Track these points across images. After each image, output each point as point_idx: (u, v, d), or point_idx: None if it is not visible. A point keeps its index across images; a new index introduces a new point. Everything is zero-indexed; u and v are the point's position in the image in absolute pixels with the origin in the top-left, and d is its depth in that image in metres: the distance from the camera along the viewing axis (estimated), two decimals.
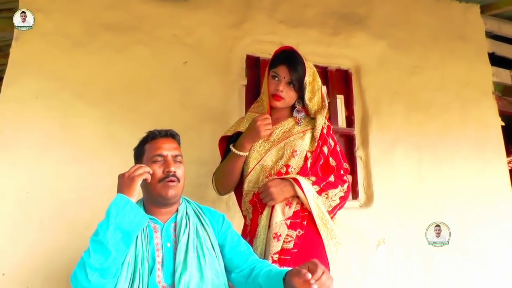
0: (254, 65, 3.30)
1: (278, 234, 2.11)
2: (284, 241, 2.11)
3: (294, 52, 2.36)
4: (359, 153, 3.42)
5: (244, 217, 2.36)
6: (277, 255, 2.08)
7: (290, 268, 1.68)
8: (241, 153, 2.25)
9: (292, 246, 2.10)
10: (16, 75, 2.69)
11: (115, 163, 2.65)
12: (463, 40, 3.95)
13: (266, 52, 3.15)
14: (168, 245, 1.82)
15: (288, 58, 2.31)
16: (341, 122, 3.47)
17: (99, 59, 2.86)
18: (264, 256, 2.12)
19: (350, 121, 3.49)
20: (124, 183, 1.74)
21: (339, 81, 3.56)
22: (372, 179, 3.34)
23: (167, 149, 1.88)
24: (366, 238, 3.20)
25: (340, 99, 3.50)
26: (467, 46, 3.94)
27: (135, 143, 2.70)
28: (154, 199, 1.87)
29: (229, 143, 2.36)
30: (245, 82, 3.21)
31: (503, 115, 3.99)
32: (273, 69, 2.33)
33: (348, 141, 3.47)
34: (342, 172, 2.31)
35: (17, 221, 2.50)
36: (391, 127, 3.47)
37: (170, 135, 1.95)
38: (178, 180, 1.85)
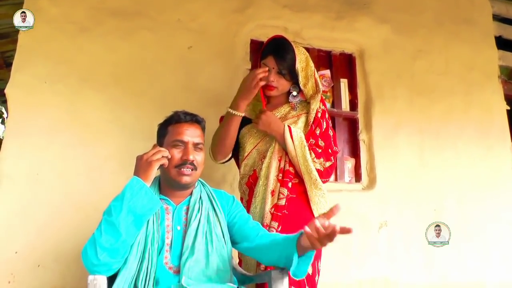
0: (258, 50, 3.29)
1: (272, 189, 2.22)
2: (278, 198, 2.20)
3: (283, 40, 2.39)
4: (362, 136, 3.45)
5: (241, 199, 2.42)
6: (273, 209, 2.19)
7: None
8: (236, 113, 2.28)
9: (284, 203, 2.19)
10: (24, 61, 2.75)
11: (121, 146, 2.73)
12: (469, 23, 3.92)
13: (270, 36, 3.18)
14: (178, 228, 1.84)
15: (275, 48, 2.34)
16: (345, 105, 3.49)
17: (105, 44, 2.91)
18: (263, 213, 2.20)
19: (353, 105, 3.51)
20: (141, 166, 1.74)
21: (342, 65, 3.58)
22: (375, 163, 3.36)
23: (190, 135, 1.86)
24: (368, 220, 3.24)
25: (343, 83, 3.52)
26: (473, 29, 3.92)
27: (140, 126, 2.78)
28: (169, 182, 1.88)
29: None
30: (249, 66, 3.24)
31: (508, 99, 3.96)
32: (262, 60, 2.37)
33: (352, 125, 3.50)
34: (329, 151, 2.34)
35: (27, 202, 2.58)
36: (394, 111, 3.49)
37: (196, 120, 1.92)
38: (195, 168, 1.85)
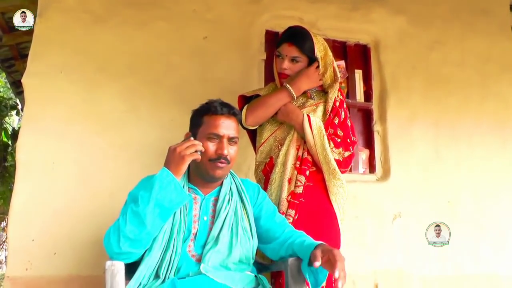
0: (273, 40, 3.31)
1: (289, 177, 2.20)
2: (295, 185, 2.19)
3: (300, 28, 2.38)
4: (376, 127, 3.44)
5: None
6: (289, 197, 2.17)
7: (320, 243, 1.70)
8: (294, 94, 2.28)
9: (301, 191, 2.17)
10: (40, 51, 2.78)
11: (136, 135, 2.76)
12: (486, 14, 3.87)
13: (285, 27, 3.17)
14: (205, 218, 1.84)
15: (291, 36, 2.32)
16: (359, 96, 3.48)
17: (120, 34, 2.93)
18: (279, 201, 2.19)
19: (368, 96, 3.50)
20: (173, 159, 1.69)
21: (357, 56, 3.57)
22: (389, 154, 3.35)
23: (225, 128, 1.82)
24: (382, 212, 3.24)
25: (358, 74, 3.51)
26: (490, 20, 3.86)
27: (156, 116, 2.79)
28: (201, 174, 1.86)
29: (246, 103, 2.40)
30: (264, 57, 3.25)
31: None
32: (277, 48, 2.35)
33: (366, 116, 3.49)
34: (348, 141, 2.32)
35: (43, 191, 2.62)
36: (409, 102, 3.47)
37: (233, 114, 1.87)
38: (229, 162, 1.83)
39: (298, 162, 2.23)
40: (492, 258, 3.41)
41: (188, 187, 1.87)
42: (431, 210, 3.32)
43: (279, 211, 2.13)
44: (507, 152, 3.64)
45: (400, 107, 3.45)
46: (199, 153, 1.73)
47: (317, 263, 1.54)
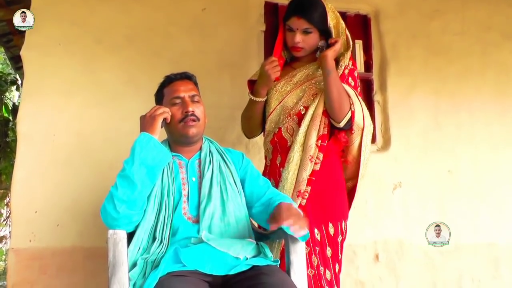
0: (272, 12, 3.28)
1: (311, 155, 2.19)
2: (314, 163, 2.20)
3: None
4: (377, 97, 3.42)
5: (265, 157, 2.44)
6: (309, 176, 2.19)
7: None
8: (257, 99, 2.33)
9: (318, 168, 2.19)
10: (38, 23, 2.74)
11: (136, 106, 2.72)
12: None
13: None
14: (194, 179, 1.92)
15: (299, 8, 2.25)
16: (360, 67, 3.42)
17: (118, 6, 2.91)
18: (297, 179, 2.19)
19: (368, 66, 3.47)
20: (146, 122, 1.83)
21: (357, 26, 3.51)
22: (390, 123, 3.35)
23: (184, 90, 1.94)
24: (382, 181, 3.25)
25: (358, 44, 3.46)
26: None
27: (155, 87, 2.78)
28: (177, 139, 1.96)
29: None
30: (263, 28, 3.22)
31: None
32: (287, 22, 2.30)
33: (366, 86, 3.45)
34: None
35: (45, 163, 2.64)
36: (409, 71, 3.45)
37: (186, 76, 2.01)
38: (198, 119, 1.91)
39: (320, 140, 2.22)
40: (491, 228, 3.43)
41: (172, 155, 1.94)
42: (431, 179, 3.34)
43: (298, 190, 2.18)
44: (508, 121, 3.62)
45: (400, 77, 3.43)
46: (168, 114, 1.87)
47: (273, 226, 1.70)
